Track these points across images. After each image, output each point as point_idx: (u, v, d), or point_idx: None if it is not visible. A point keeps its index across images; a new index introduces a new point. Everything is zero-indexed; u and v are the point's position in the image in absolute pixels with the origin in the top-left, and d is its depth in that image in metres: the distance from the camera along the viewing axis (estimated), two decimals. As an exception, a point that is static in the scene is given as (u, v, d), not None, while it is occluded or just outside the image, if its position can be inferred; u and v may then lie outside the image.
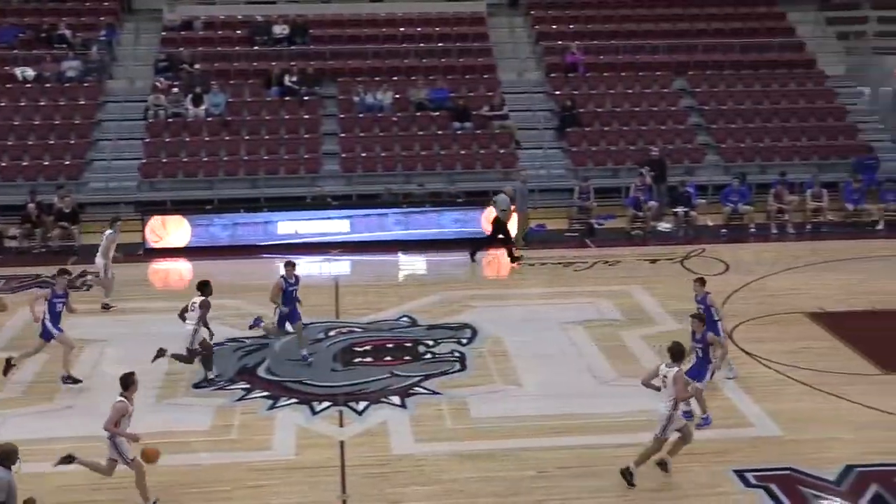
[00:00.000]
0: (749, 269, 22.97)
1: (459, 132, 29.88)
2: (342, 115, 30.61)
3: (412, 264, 24.17)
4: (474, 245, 24.20)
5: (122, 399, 12.61)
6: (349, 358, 17.98)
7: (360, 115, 30.41)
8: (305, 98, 30.93)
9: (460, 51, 32.87)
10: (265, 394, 16.40)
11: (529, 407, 15.97)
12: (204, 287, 16.86)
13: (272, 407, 15.94)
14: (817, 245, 25.36)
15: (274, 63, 31.96)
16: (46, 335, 16.70)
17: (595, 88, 31.64)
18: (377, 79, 31.46)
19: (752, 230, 26.31)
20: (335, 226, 25.49)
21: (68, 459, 12.66)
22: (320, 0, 35.10)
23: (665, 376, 13.41)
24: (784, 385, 16.68)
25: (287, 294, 17.55)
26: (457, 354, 18.11)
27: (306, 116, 30.55)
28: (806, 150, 29.75)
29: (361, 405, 16.00)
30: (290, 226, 25.48)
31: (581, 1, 34.94)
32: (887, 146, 30.31)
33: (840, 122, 30.92)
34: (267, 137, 29.77)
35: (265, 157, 29.15)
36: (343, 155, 29.40)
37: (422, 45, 33.07)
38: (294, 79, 31.17)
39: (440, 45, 33.08)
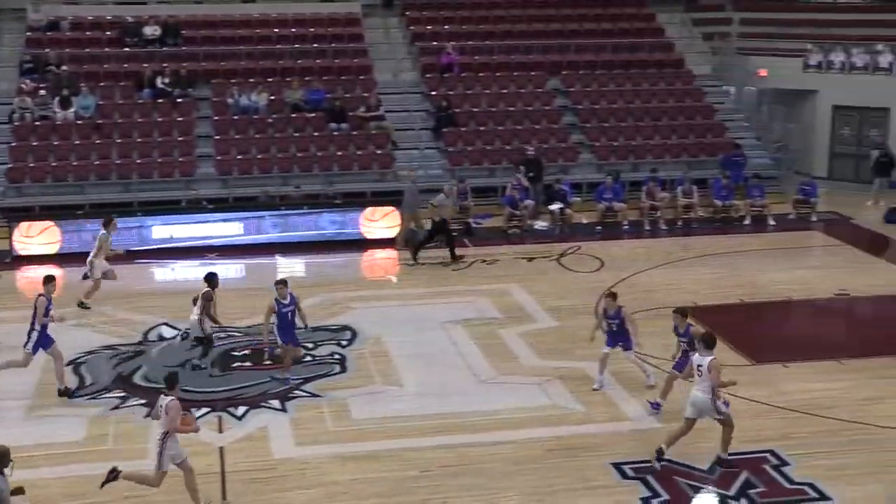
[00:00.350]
0: (623, 266, 23.42)
1: (336, 133, 29.78)
2: (216, 117, 30.21)
3: (291, 266, 23.99)
4: (416, 246, 24.15)
5: (174, 398, 12.65)
6: (228, 363, 17.77)
7: (235, 117, 30.05)
8: (178, 100, 30.43)
9: (336, 52, 32.76)
10: (142, 402, 16.10)
11: (411, 407, 16.02)
12: (210, 279, 17.42)
13: (149, 415, 15.64)
14: (688, 241, 26.00)
15: (146, 65, 31.36)
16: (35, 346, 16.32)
17: (471, 88, 31.87)
18: (252, 80, 31.14)
19: (626, 227, 26.84)
20: (212, 229, 25.14)
21: (113, 475, 12.71)
22: (192, 1, 34.58)
23: (700, 365, 13.76)
24: (659, 379, 17.04)
25: (282, 316, 16.52)
26: (337, 356, 18.06)
27: (180, 119, 30.06)
28: (676, 147, 30.46)
29: (241, 410, 15.84)
30: (164, 230, 25.02)
31: (456, 2, 35.16)
32: (753, 143, 31.23)
33: (708, 120, 31.74)
34: (139, 140, 29.20)
35: (138, 161, 28.60)
36: (218, 157, 29.02)
37: (297, 46, 32.85)
38: (166, 80, 30.65)
39: (315, 45, 32.91)
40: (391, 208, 25.81)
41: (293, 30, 33.47)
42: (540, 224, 26.87)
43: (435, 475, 13.91)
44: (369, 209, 25.83)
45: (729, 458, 14.05)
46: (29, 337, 16.25)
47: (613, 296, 16.64)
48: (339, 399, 16.25)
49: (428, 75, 32.24)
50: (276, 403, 16.11)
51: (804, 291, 21.70)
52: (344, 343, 18.71)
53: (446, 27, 34.08)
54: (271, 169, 28.75)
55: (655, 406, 15.62)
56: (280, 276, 17.61)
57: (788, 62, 32.79)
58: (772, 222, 27.07)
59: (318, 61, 32.38)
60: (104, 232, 20.94)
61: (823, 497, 13.26)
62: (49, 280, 16.88)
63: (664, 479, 13.74)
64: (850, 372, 17.27)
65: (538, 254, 24.58)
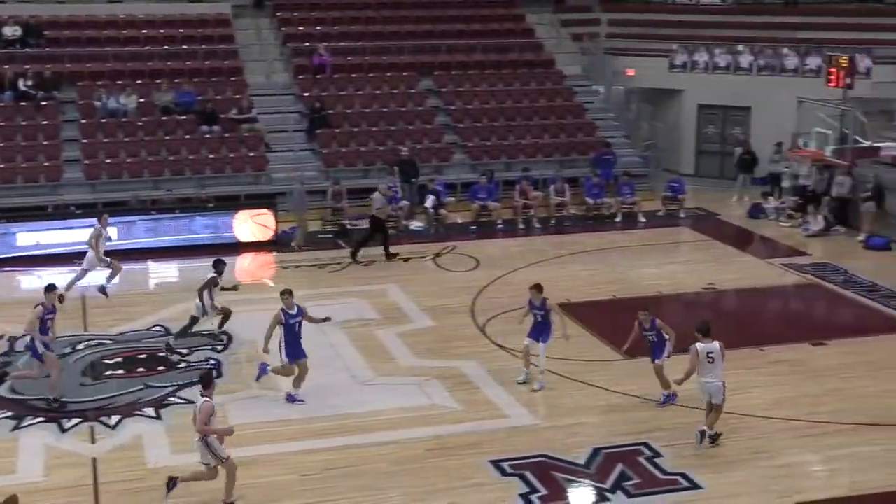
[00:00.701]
0: (499, 265, 23.66)
1: (208, 136, 29.34)
2: (84, 121, 29.46)
3: (164, 272, 23.56)
4: (356, 244, 24.11)
5: (207, 399, 12.76)
6: (99, 371, 17.38)
7: (103, 120, 29.36)
8: (43, 103, 29.57)
9: (206, 53, 32.29)
10: (8, 414, 15.63)
11: (289, 410, 15.93)
12: (217, 265, 18.61)
13: (16, 427, 15.22)
14: (562, 238, 26.39)
15: (6, 66, 30.40)
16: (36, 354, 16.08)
17: (343, 90, 31.77)
18: (120, 82, 30.48)
19: (500, 226, 27.11)
20: (80, 235, 24.45)
21: (173, 483, 12.83)
22: (54, 0, 33.66)
23: (710, 353, 14.39)
24: (536, 375, 17.27)
25: (289, 328, 15.99)
26: (212, 361, 17.82)
27: (45, 122, 29.23)
28: (548, 147, 30.87)
29: (114, 419, 15.51)
30: (30, 237, 24.31)
31: (327, 3, 35.01)
32: (622, 142, 31.86)
33: (579, 119, 32.26)
34: (2, 144, 28.30)
35: (1, 166, 27.71)
36: (86, 161, 28.31)
37: (166, 47, 32.28)
38: (30, 83, 29.76)
39: (185, 47, 32.38)
40: (265, 211, 25.58)
41: (161, 31, 32.86)
42: (415, 224, 26.96)
43: (315, 479, 13.85)
44: (243, 212, 25.54)
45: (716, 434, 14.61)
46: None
47: (539, 287, 16.84)
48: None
49: (300, 77, 32.03)
50: (150, 412, 15.82)
51: (674, 286, 22.25)
52: (219, 348, 18.48)
53: (318, 28, 33.91)
54: (142, 173, 28.18)
55: (671, 397, 15.99)
56: (284, 287, 16.92)
57: (655, 62, 33.56)
58: (642, 219, 27.67)
59: (188, 63, 31.87)
60: (98, 226, 21.32)
61: (695, 486, 13.63)
62: (51, 289, 16.57)
63: (542, 474, 13.94)
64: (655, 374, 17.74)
65: (414, 254, 24.66)
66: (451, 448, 14.70)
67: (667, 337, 16.08)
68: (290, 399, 16.17)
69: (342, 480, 13.76)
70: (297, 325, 16.07)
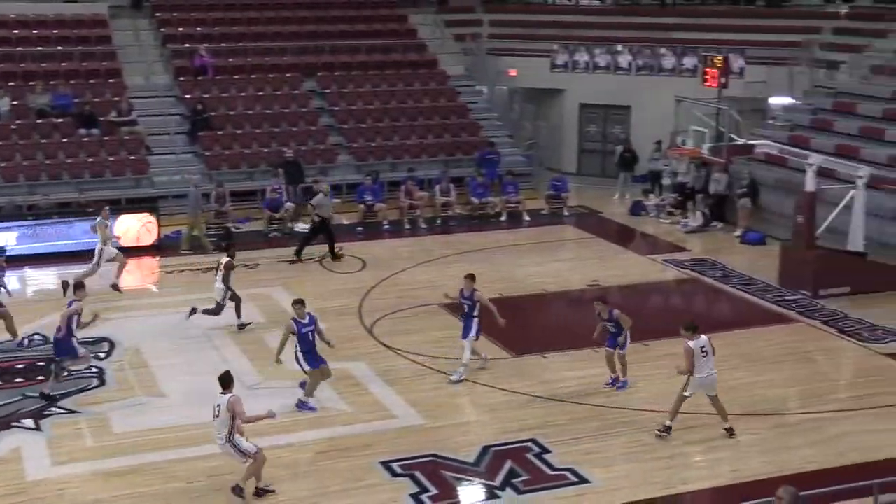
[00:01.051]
0: (386, 265, 23.68)
1: (86, 139, 28.68)
2: (-46, 124, 28.54)
3: (42, 279, 22.96)
4: (300, 243, 23.92)
5: (234, 394, 13.15)
6: (-24, 383, 16.88)
7: (-25, 124, 28.49)
8: None
9: (83, 54, 31.55)
10: None
11: (175, 417, 15.70)
12: (229, 248, 19.83)
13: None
14: (448, 238, 26.52)
15: None
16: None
17: (226, 91, 31.38)
18: (-9, 84, 29.61)
19: (386, 227, 27.12)
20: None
21: (239, 489, 13.11)
22: (-80, 0, 32.56)
23: (703, 347, 14.76)
24: (424, 375, 17.36)
25: (302, 338, 15.79)
26: (94, 370, 17.45)
27: (-88, 126, 28.25)
28: (433, 147, 30.98)
29: (-8, 432, 15.08)
30: None
31: (207, 3, 34.54)
32: (506, 142, 32.15)
33: (463, 119, 32.44)
34: None
35: None
36: (-42, 166, 27.43)
37: (40, 48, 31.45)
38: None
39: (60, 48, 31.60)
40: (148, 215, 25.15)
41: (35, 31, 32.00)
42: (301, 226, 26.79)
43: (202, 486, 13.68)
44: (125, 216, 25.05)
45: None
46: None
47: (471, 277, 17.09)
48: (98, 414, 15.73)
49: (181, 78, 31.53)
50: (29, 423, 15.42)
51: (559, 284, 22.57)
52: (102, 355, 18.12)
53: (198, 29, 33.43)
54: (17, 177, 27.39)
55: (614, 383, 16.71)
56: (296, 297, 16.76)
57: (537, 62, 33.96)
58: (526, 218, 27.98)
59: (63, 64, 31.11)
60: (100, 219, 21.97)
61: (583, 480, 13.85)
62: (80, 287, 17.51)
63: (432, 473, 14.01)
64: (603, 359, 18.04)
65: (301, 256, 24.49)
66: (341, 450, 14.68)
67: (625, 327, 16.64)
68: (302, 407, 15.90)
69: (229, 487, 13.61)
70: (310, 333, 15.86)
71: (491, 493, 13.61)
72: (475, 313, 17.01)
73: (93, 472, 13.91)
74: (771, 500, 10.69)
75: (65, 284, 19.81)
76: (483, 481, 13.89)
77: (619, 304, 21.80)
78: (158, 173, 28.33)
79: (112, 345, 18.60)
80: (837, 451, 14.72)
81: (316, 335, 16.02)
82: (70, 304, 16.73)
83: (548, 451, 14.62)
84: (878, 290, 21.50)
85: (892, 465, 14.10)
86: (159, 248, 24.92)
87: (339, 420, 15.68)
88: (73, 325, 16.45)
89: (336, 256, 24.12)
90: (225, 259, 19.40)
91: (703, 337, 14.99)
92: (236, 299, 19.40)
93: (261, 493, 13.34)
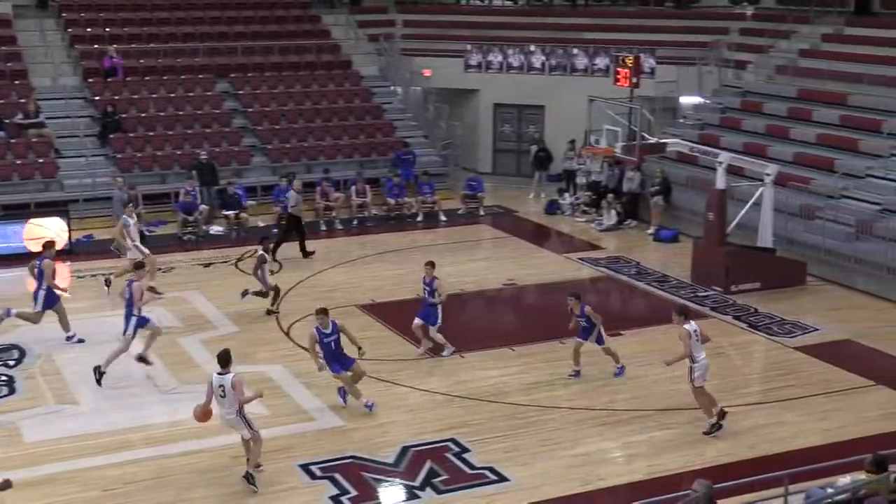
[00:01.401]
0: (303, 267, 23.55)
1: (-8, 142, 28.06)
2: None
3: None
4: (275, 243, 23.59)
5: (235, 373, 13.56)
6: None
7: None
8: None
9: (-13, 55, 30.86)
10: None
11: (89, 424, 15.47)
12: (263, 240, 21.04)
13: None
14: (365, 239, 26.49)
15: None
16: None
17: (137, 93, 30.90)
18: None
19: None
20: None
21: (251, 477, 13.55)
22: None
23: (696, 331, 15.18)
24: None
25: (325, 346, 15.59)
26: (3, 378, 17.10)
27: None
28: (348, 148, 30.88)
29: None
30: None
31: (116, 3, 33.98)
32: (421, 142, 32.18)
33: (378, 120, 32.39)
34: None
35: None
36: None
37: (-59, 49, 30.71)
38: None
39: (-38, 49, 30.88)
40: (58, 219, 24.68)
41: (-63, 32, 31.24)
42: (215, 229, 26.53)
43: (119, 493, 13.49)
44: (34, 220, 24.55)
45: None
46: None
47: (431, 264, 18.25)
48: (8, 423, 15.41)
49: (90, 79, 30.98)
50: (-62, 433, 15.05)
51: (476, 283, 22.67)
52: (11, 363, 17.76)
53: (107, 29, 32.85)
54: (-80, 182, 26.73)
55: (576, 375, 17.22)
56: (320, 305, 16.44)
57: (450, 62, 34.04)
58: (443, 218, 28.04)
59: (-34, 66, 30.40)
60: (125, 216, 22.20)
61: (503, 479, 13.94)
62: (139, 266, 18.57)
63: (352, 475, 13.98)
64: (521, 358, 18.23)
65: (215, 259, 24.27)
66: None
67: (595, 322, 17.05)
68: (369, 407, 15.85)
69: (146, 493, 13.46)
70: (333, 343, 15.66)
71: (411, 494, 13.63)
72: (436, 300, 17.93)
73: (4, 483, 13.61)
74: (687, 493, 10.88)
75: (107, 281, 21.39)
76: (403, 482, 13.91)
77: (536, 303, 22.13)
78: (68, 176, 27.80)
79: (22, 352, 18.23)
80: (750, 444, 15.03)
81: (339, 343, 15.75)
82: (130, 283, 17.51)
83: (467, 451, 14.68)
84: (787, 285, 22.01)
85: (802, 455, 14.45)
86: (71, 253, 24.46)
87: (256, 423, 15.52)
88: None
89: (307, 254, 24.19)
90: (259, 251, 20.45)
91: (693, 323, 15.36)
92: (276, 290, 20.45)
93: (250, 478, 13.61)
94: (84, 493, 13.46)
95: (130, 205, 23.38)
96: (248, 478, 13.60)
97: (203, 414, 13.80)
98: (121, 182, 25.99)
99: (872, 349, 18.86)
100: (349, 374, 15.86)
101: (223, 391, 13.49)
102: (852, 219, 22.60)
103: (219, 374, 13.57)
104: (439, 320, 17.94)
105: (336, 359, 15.74)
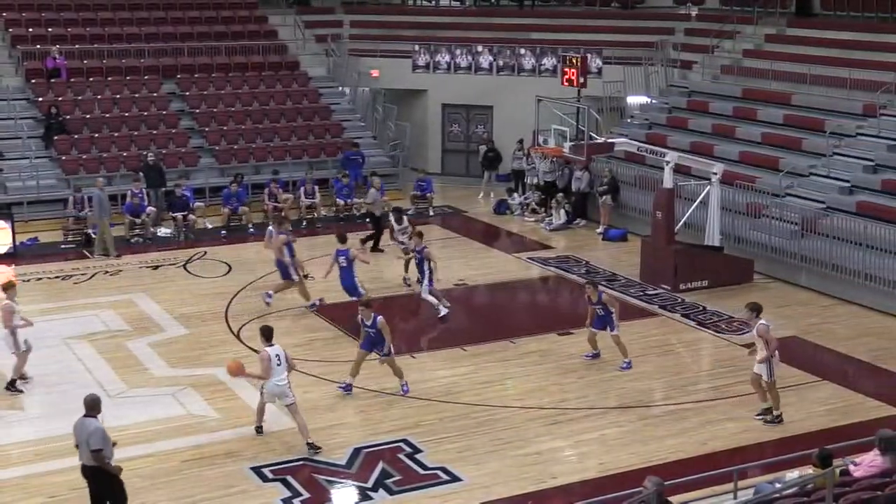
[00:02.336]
0: (252, 268, 23.39)
1: (-67, 144, 27.60)
2: None
3: None
4: (373, 240, 24.58)
5: (267, 349, 14.61)
6: None
7: None
8: None
9: (-73, 56, 30.34)
10: None
11: (33, 430, 15.27)
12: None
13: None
14: (314, 240, 26.31)
15: None
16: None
17: (81, 94, 30.53)
18: None
19: (251, 230, 26.78)
20: None
21: (314, 449, 14.48)
22: None
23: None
24: (293, 378, 17.18)
25: (366, 336, 16.39)
26: (-50, 384, 16.82)
27: None
28: (297, 149, 30.73)
29: None
30: None
31: (58, 4, 33.55)
32: (370, 143, 32.11)
33: (326, 121, 32.26)
34: None
35: None
36: None
37: None
38: None
39: None
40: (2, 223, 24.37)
41: None
42: (163, 231, 26.29)
43: (65, 500, 13.33)
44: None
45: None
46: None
47: (420, 234, 20.74)
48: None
49: (33, 80, 30.57)
50: None
51: (426, 283, 22.63)
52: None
53: (50, 30, 32.44)
54: None
55: (594, 357, 17.97)
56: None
57: (398, 63, 33.99)
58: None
59: None
60: None
61: (455, 479, 13.95)
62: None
63: (304, 477, 13.93)
64: (472, 357, 18.26)
65: (163, 261, 24.05)
66: (209, 457, 14.47)
67: (612, 310, 17.50)
68: (406, 390, 16.62)
69: (95, 499, 13.28)
70: (371, 333, 16.32)
71: (364, 495, 13.59)
72: (426, 266, 20.02)
73: (-51, 491, 13.41)
74: (638, 490, 10.96)
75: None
76: (355, 483, 13.87)
77: (487, 303, 22.18)
78: (11, 179, 27.40)
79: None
80: (700, 440, 15.17)
81: (379, 334, 16.36)
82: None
83: (419, 451, 14.68)
84: (734, 282, 22.24)
85: (750, 451, 14.61)
86: (14, 256, 24.12)
87: (206, 427, 15.44)
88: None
89: (377, 249, 24.63)
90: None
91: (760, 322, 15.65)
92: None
93: (313, 447, 14.57)
94: (29, 500, 13.28)
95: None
96: (311, 446, 14.54)
97: (237, 368, 15.01)
98: (101, 182, 25.58)
99: (817, 345, 19.12)
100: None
101: (279, 360, 14.56)
102: (797, 217, 22.88)
103: (268, 346, 14.68)
104: (428, 282, 20.06)
105: (375, 347, 16.46)
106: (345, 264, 19.68)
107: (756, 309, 15.82)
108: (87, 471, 11.97)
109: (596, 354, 17.96)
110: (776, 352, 15.69)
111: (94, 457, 11.77)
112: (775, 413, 15.74)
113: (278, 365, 14.56)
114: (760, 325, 15.62)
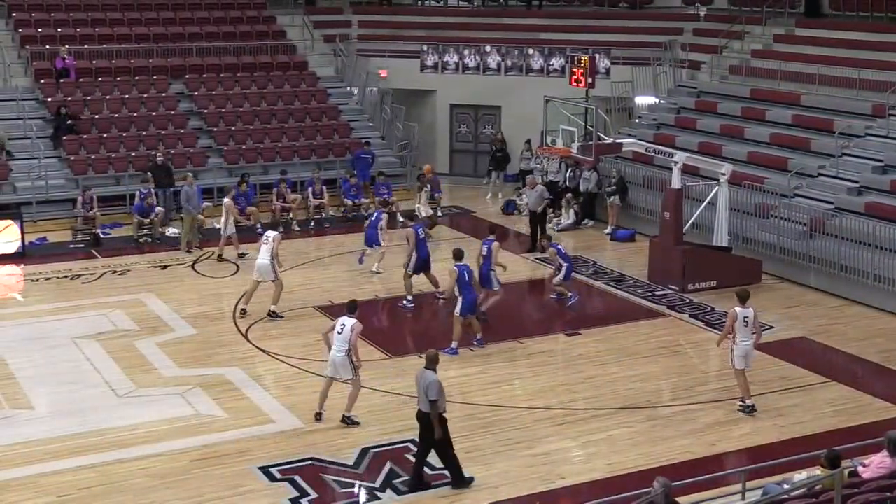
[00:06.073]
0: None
1: (-58, 144, 27.67)
2: None
3: None
4: (538, 239, 24.57)
5: (357, 320, 15.44)
6: None
7: None
8: None
9: (-64, 56, 30.42)
10: None
11: (43, 429, 15.29)
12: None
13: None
14: (322, 240, 26.40)
15: None
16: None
17: (90, 94, 30.58)
18: None
19: (259, 230, 26.74)
20: None
21: (349, 419, 15.36)
22: None
23: (746, 317, 15.80)
24: (301, 378, 17.26)
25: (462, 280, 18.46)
26: (-42, 383, 16.88)
27: None
28: (305, 149, 30.75)
29: None
30: None
31: (67, 4, 33.63)
32: (378, 143, 32.11)
33: (334, 121, 32.27)
34: None
35: None
36: None
37: None
38: None
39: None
40: (9, 222, 24.40)
41: None
42: (172, 231, 26.32)
43: (74, 499, 13.36)
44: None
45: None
46: None
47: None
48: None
49: (42, 81, 30.64)
50: None
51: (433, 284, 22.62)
52: (-35, 367, 17.53)
53: (59, 30, 32.50)
54: None
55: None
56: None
57: (407, 63, 33.99)
58: (400, 218, 27.95)
59: (-84, 67, 29.94)
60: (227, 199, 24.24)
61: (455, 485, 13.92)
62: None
63: (311, 477, 13.94)
64: (480, 358, 18.26)
65: (172, 261, 24.09)
66: (217, 457, 14.49)
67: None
68: (480, 343, 18.61)
69: (102, 499, 13.34)
70: (467, 273, 18.67)
71: (371, 495, 13.61)
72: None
73: (-42, 490, 13.46)
74: (647, 490, 10.95)
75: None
76: (363, 483, 13.88)
77: (495, 303, 22.15)
78: (20, 179, 27.48)
79: (-25, 356, 18.00)
80: (708, 441, 15.15)
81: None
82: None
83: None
84: (742, 283, 22.09)
85: (758, 452, 14.59)
86: (24, 256, 24.19)
87: (214, 426, 15.47)
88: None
89: (541, 248, 24.34)
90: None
91: (751, 310, 15.96)
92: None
93: (349, 420, 15.41)
94: (38, 500, 13.31)
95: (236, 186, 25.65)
96: (347, 420, 15.35)
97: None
98: (190, 177, 25.91)
99: (826, 346, 19.09)
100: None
101: (342, 328, 15.25)
102: (805, 217, 22.83)
103: (346, 315, 15.56)
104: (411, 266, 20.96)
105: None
106: (486, 253, 19.98)
107: (741, 295, 16.11)
108: (420, 415, 13.62)
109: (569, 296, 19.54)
110: (734, 336, 15.92)
111: (431, 406, 13.31)
112: (747, 402, 16.02)
113: (339, 333, 15.34)
114: (732, 310, 15.99)
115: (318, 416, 15.54)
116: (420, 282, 22.17)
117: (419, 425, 13.69)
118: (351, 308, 15.77)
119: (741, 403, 16.10)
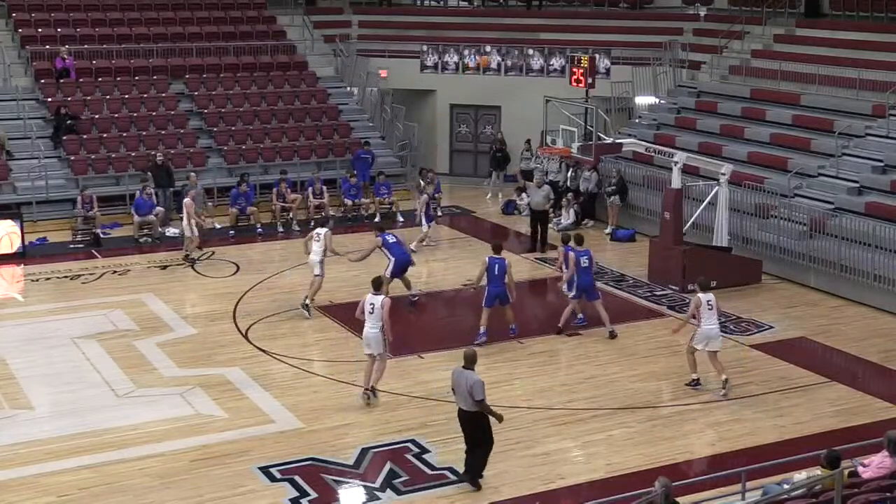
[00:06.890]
0: (260, 268, 23.45)
1: (-58, 144, 27.67)
2: None
3: None
4: (539, 241, 25.37)
5: (384, 296, 16.20)
6: None
7: None
8: None
9: (-64, 56, 30.42)
10: None
11: (43, 430, 15.29)
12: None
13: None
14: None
15: None
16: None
17: (90, 94, 30.58)
18: None
19: (260, 230, 26.82)
20: None
21: (373, 393, 16.13)
22: None
23: (709, 301, 16.47)
24: (301, 378, 17.27)
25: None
26: (-41, 383, 16.88)
27: None
28: (305, 149, 30.75)
29: None
30: None
31: (67, 4, 33.63)
32: (378, 143, 32.12)
33: (334, 121, 32.27)
34: None
35: None
36: None
37: None
38: None
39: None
40: (10, 222, 24.40)
41: None
42: (172, 231, 26.32)
43: (74, 499, 13.36)
44: None
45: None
46: None
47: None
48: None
49: (42, 81, 30.65)
50: None
51: (434, 283, 22.67)
52: (-35, 366, 17.53)
53: (59, 30, 32.51)
54: None
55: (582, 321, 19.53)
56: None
57: (407, 63, 34.01)
58: (400, 218, 27.99)
59: (-84, 67, 29.94)
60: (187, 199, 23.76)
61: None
62: None
63: (311, 477, 13.94)
64: (480, 357, 18.02)
65: (172, 261, 24.09)
66: (217, 457, 14.49)
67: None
68: (513, 332, 19.05)
69: (102, 499, 13.34)
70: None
71: (371, 495, 13.61)
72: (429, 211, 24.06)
73: (-42, 490, 13.46)
74: (647, 491, 10.95)
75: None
76: (363, 483, 13.88)
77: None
78: (20, 179, 27.48)
79: (-26, 356, 18.01)
80: (708, 441, 15.16)
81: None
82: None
83: (427, 451, 14.68)
84: (743, 283, 22.19)
85: (758, 452, 14.59)
86: (24, 256, 24.19)
87: (214, 427, 15.46)
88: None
89: (544, 248, 25.19)
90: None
91: (712, 294, 16.56)
92: None
93: (373, 392, 16.14)
94: (38, 500, 13.30)
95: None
96: (370, 393, 16.06)
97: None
98: (194, 177, 26.54)
99: (826, 346, 19.10)
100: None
101: (372, 308, 15.84)
102: (806, 217, 22.83)
103: (372, 294, 16.05)
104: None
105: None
106: (586, 265, 19.38)
107: (701, 284, 16.86)
108: (464, 414, 13.71)
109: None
110: (699, 320, 16.63)
111: (480, 406, 13.51)
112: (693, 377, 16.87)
113: (370, 313, 15.89)
114: (696, 297, 16.70)
115: (370, 393, 16.17)
116: (421, 282, 22.20)
117: (460, 424, 13.84)
118: (376, 285, 16.38)
119: (689, 381, 16.83)
